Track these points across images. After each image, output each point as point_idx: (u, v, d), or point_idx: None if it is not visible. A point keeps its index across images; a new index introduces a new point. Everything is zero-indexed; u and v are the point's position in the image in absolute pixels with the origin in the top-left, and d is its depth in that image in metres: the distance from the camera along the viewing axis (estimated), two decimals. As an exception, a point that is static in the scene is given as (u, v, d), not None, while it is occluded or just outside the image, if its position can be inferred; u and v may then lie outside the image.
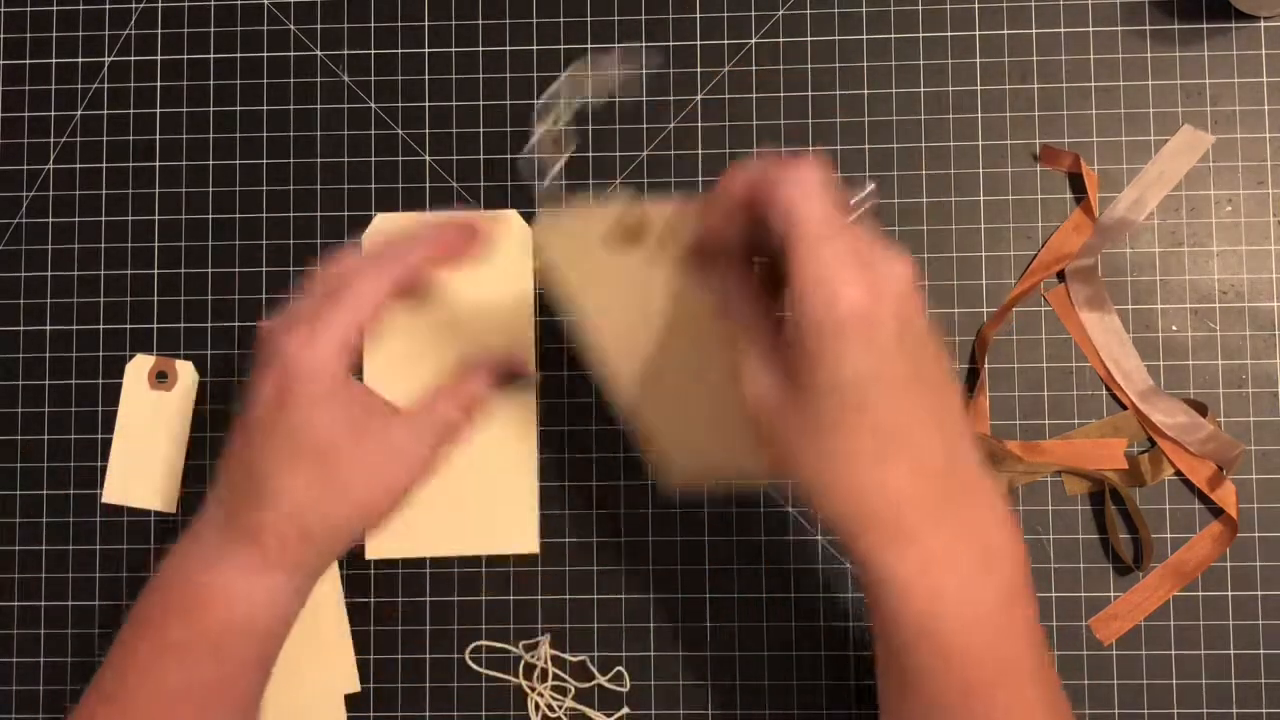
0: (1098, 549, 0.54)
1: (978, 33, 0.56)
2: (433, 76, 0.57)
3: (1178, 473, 0.54)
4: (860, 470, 0.38)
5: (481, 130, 0.57)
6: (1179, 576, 0.53)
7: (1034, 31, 0.56)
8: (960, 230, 0.55)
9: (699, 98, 0.56)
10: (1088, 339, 0.54)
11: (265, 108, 0.58)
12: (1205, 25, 0.55)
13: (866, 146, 0.56)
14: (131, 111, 0.58)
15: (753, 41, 0.57)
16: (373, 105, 0.57)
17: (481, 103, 0.57)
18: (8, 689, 0.56)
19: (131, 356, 0.57)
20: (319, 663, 0.55)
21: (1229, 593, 0.53)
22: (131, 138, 0.58)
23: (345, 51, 0.58)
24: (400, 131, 0.57)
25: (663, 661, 0.55)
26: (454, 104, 0.57)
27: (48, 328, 0.57)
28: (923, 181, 0.56)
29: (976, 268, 0.55)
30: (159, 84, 0.58)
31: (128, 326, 0.57)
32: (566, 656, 0.55)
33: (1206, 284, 0.55)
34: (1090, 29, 0.56)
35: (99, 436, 0.57)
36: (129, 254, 0.58)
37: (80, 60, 0.58)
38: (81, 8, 0.58)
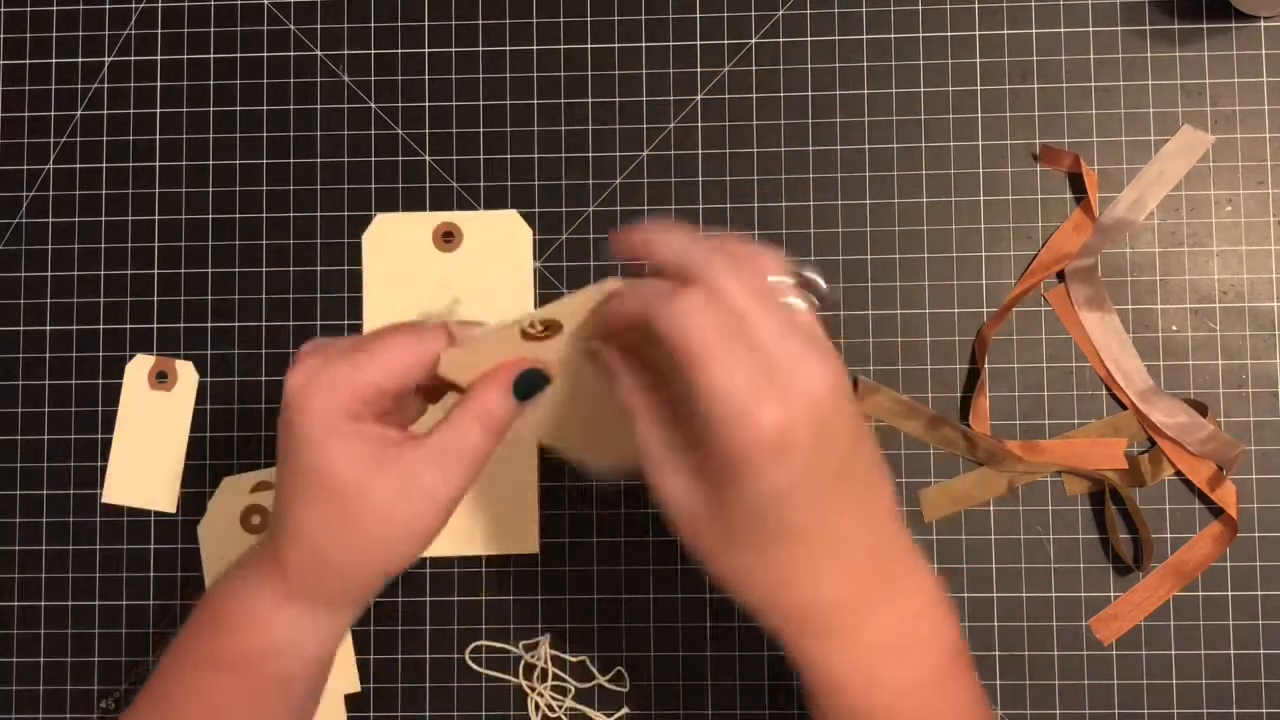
0: (1098, 549, 0.54)
1: (978, 33, 0.56)
2: (433, 76, 0.57)
3: (1178, 473, 0.54)
4: (787, 580, 0.37)
5: (481, 130, 0.57)
6: (1179, 576, 0.53)
7: (1034, 31, 0.56)
8: (960, 230, 0.55)
9: (699, 98, 0.56)
10: (1088, 339, 0.54)
11: (265, 108, 0.58)
12: (1205, 25, 0.55)
13: (866, 146, 0.56)
14: (131, 111, 0.58)
15: (753, 41, 0.57)
16: (373, 105, 0.57)
17: (481, 103, 0.57)
18: (8, 689, 0.56)
19: (131, 356, 0.57)
20: (319, 663, 0.55)
21: (1229, 593, 0.53)
22: (131, 138, 0.58)
23: (345, 51, 0.58)
24: (400, 131, 0.57)
25: (663, 661, 0.55)
26: (454, 104, 0.57)
27: (48, 328, 0.57)
28: (923, 181, 0.56)
29: (976, 268, 0.55)
30: (159, 84, 0.58)
31: (128, 326, 0.57)
32: (566, 656, 0.55)
33: (1206, 284, 0.55)
34: (1090, 29, 0.56)
35: (99, 436, 0.57)
36: (129, 254, 0.58)
37: (80, 60, 0.58)
38: (81, 8, 0.58)
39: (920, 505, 0.54)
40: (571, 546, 0.55)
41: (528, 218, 0.56)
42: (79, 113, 0.58)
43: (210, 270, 0.57)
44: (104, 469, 0.57)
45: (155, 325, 0.57)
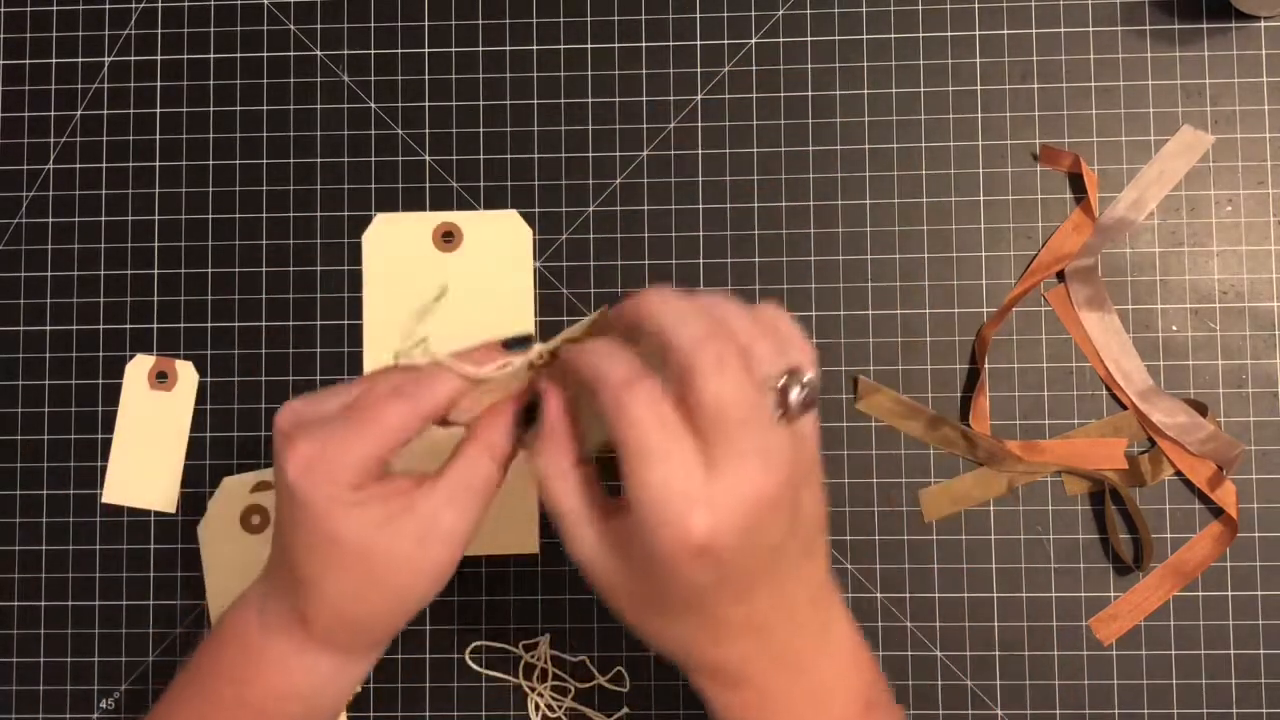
0: (1098, 549, 0.54)
1: (978, 33, 0.56)
2: (433, 76, 0.57)
3: (1178, 473, 0.54)
4: (698, 644, 0.38)
5: (481, 130, 0.57)
6: (1179, 576, 0.53)
7: (1034, 31, 0.56)
8: (960, 230, 0.55)
9: (699, 98, 0.56)
10: (1088, 339, 0.54)
11: (265, 108, 0.58)
12: (1205, 25, 0.55)
13: (866, 146, 0.56)
14: (131, 111, 0.58)
15: (753, 41, 0.57)
16: (373, 105, 0.57)
17: (481, 103, 0.57)
18: (8, 689, 0.56)
19: (131, 356, 0.57)
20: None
21: (1229, 593, 0.53)
22: (131, 138, 0.58)
23: (345, 51, 0.58)
24: (400, 131, 0.57)
25: (663, 661, 0.55)
26: (454, 104, 0.57)
27: (48, 328, 0.57)
28: (923, 181, 0.56)
29: (976, 268, 0.55)
30: (159, 84, 0.58)
31: (128, 326, 0.57)
32: (566, 656, 0.55)
33: (1206, 284, 0.55)
34: (1090, 29, 0.56)
35: (99, 436, 0.57)
36: (129, 254, 0.58)
37: (80, 60, 0.58)
38: (81, 8, 0.58)
39: (920, 505, 0.54)
40: (571, 546, 0.55)
41: (528, 218, 0.56)
42: (79, 113, 0.58)
43: (210, 270, 0.57)
44: (104, 469, 0.57)
45: (155, 325, 0.57)
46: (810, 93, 0.56)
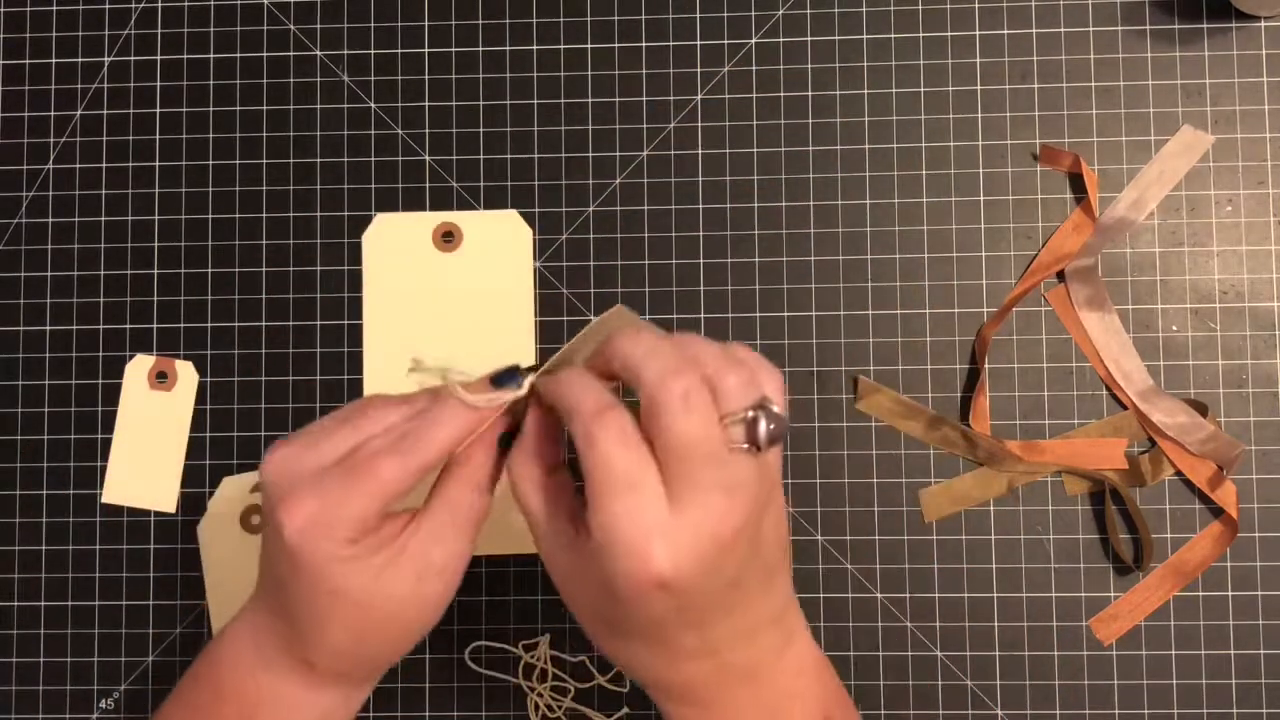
0: (1098, 549, 0.54)
1: (978, 33, 0.56)
2: (433, 76, 0.57)
3: (1178, 473, 0.54)
4: (655, 666, 0.38)
5: (481, 130, 0.57)
6: (1179, 576, 0.53)
7: (1034, 31, 0.56)
8: (960, 230, 0.55)
9: (699, 98, 0.56)
10: (1088, 339, 0.54)
11: (265, 108, 0.58)
12: (1205, 25, 0.55)
13: (866, 146, 0.56)
14: (131, 111, 0.58)
15: (753, 41, 0.57)
16: (373, 105, 0.57)
17: (481, 103, 0.57)
18: (8, 689, 0.56)
19: (131, 356, 0.57)
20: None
21: (1229, 593, 0.53)
22: (131, 138, 0.58)
23: (345, 51, 0.58)
24: (400, 131, 0.57)
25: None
26: (454, 104, 0.57)
27: (48, 328, 0.57)
28: (923, 181, 0.56)
29: (976, 268, 0.55)
30: (159, 84, 0.58)
31: (128, 326, 0.57)
32: (566, 656, 0.55)
33: (1206, 284, 0.55)
34: (1090, 29, 0.56)
35: (99, 436, 0.57)
36: (129, 254, 0.58)
37: (80, 60, 0.58)
38: (81, 8, 0.58)
39: (920, 505, 0.54)
40: (571, 546, 0.55)
41: (528, 218, 0.56)
42: (79, 113, 0.58)
43: (210, 270, 0.57)
44: (104, 469, 0.57)
45: (155, 325, 0.57)
46: (810, 93, 0.56)
